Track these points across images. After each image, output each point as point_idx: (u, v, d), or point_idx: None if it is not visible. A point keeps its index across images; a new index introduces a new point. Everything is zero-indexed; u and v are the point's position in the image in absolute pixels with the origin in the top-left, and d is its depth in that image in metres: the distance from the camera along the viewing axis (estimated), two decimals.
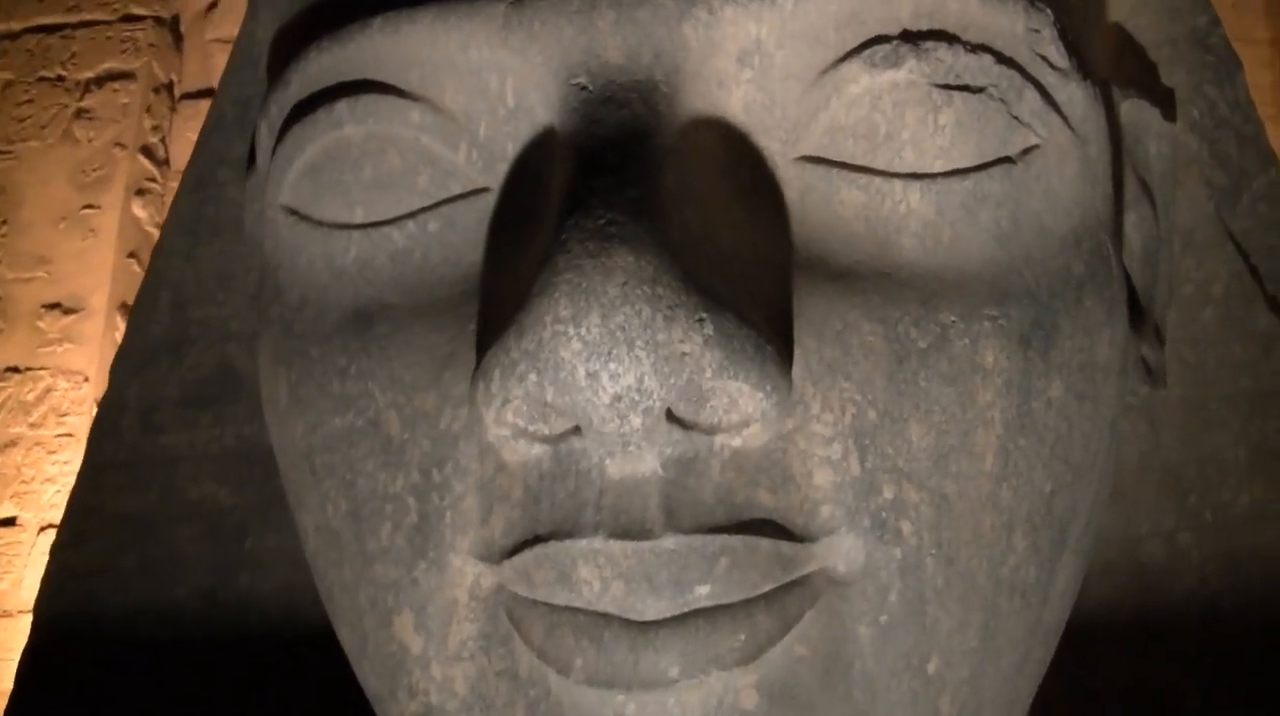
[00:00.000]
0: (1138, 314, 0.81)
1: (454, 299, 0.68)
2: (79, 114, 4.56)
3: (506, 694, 0.63)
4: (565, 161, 0.63)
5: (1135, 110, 0.82)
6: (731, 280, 0.60)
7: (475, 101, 0.68)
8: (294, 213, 0.73)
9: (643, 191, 0.59)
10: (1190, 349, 0.91)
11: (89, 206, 4.41)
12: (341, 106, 0.70)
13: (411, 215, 0.70)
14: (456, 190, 0.69)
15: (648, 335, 0.55)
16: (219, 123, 1.04)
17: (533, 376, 0.57)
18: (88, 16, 4.69)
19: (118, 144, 4.50)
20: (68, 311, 4.32)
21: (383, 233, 0.70)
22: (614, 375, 0.55)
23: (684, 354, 0.56)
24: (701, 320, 0.57)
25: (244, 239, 0.92)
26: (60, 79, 4.63)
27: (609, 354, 0.55)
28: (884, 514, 0.62)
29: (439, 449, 0.65)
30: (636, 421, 0.57)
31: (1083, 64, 0.71)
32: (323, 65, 0.71)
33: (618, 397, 0.56)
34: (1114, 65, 0.83)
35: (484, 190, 0.69)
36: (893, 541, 0.62)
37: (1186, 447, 0.90)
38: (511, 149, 0.68)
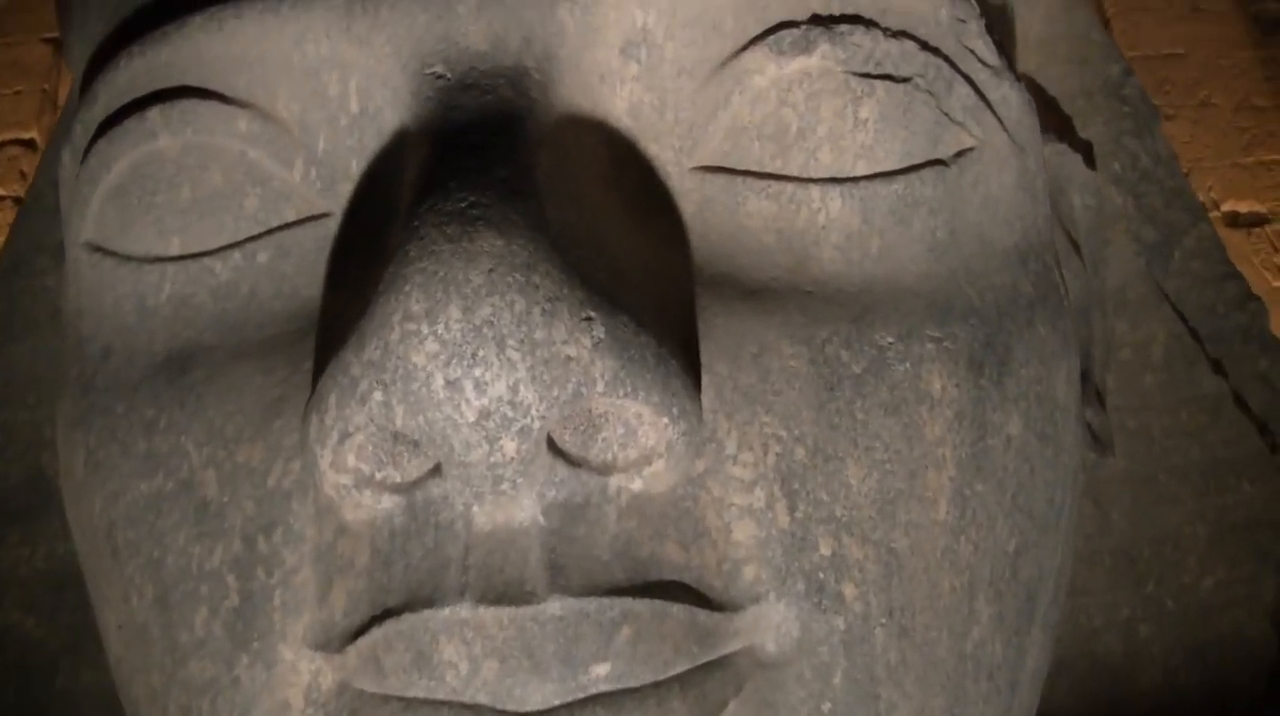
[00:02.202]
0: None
1: (286, 337, 0.56)
2: None
3: None
4: (417, 153, 0.52)
5: (1057, 157, 0.75)
6: (622, 284, 0.49)
7: (313, 109, 0.57)
8: (98, 248, 0.61)
9: (511, 172, 0.49)
10: (1133, 417, 0.82)
11: None
12: (154, 114, 0.59)
13: (237, 244, 0.58)
14: (291, 215, 0.58)
15: (522, 332, 0.44)
16: (36, 206, 0.93)
17: (377, 394, 0.45)
18: None
19: None
20: None
21: (203, 265, 0.58)
22: (480, 383, 0.44)
23: (568, 358, 0.45)
24: (589, 319, 0.46)
25: (61, 332, 0.79)
26: None
27: (473, 356, 0.44)
28: (821, 575, 0.51)
29: (266, 511, 0.52)
30: (510, 447, 0.45)
31: (1012, 68, 0.63)
32: (134, 73, 0.59)
33: (485, 413, 0.44)
34: None
35: (324, 215, 0.58)
36: (834, 608, 0.51)
37: (1138, 526, 0.80)
38: (356, 165, 0.57)
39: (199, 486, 0.54)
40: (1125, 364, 0.83)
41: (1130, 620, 0.80)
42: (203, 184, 0.59)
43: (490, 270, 0.44)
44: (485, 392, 0.44)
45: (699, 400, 0.49)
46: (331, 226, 0.57)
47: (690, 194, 0.56)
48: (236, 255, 0.58)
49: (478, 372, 0.44)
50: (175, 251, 0.59)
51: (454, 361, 0.44)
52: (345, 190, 0.57)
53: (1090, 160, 0.78)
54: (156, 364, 0.57)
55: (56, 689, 0.82)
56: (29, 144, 4.44)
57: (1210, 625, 0.79)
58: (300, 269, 0.57)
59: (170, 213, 0.59)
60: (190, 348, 0.57)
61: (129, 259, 0.60)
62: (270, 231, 0.58)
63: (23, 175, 4.44)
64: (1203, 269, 0.85)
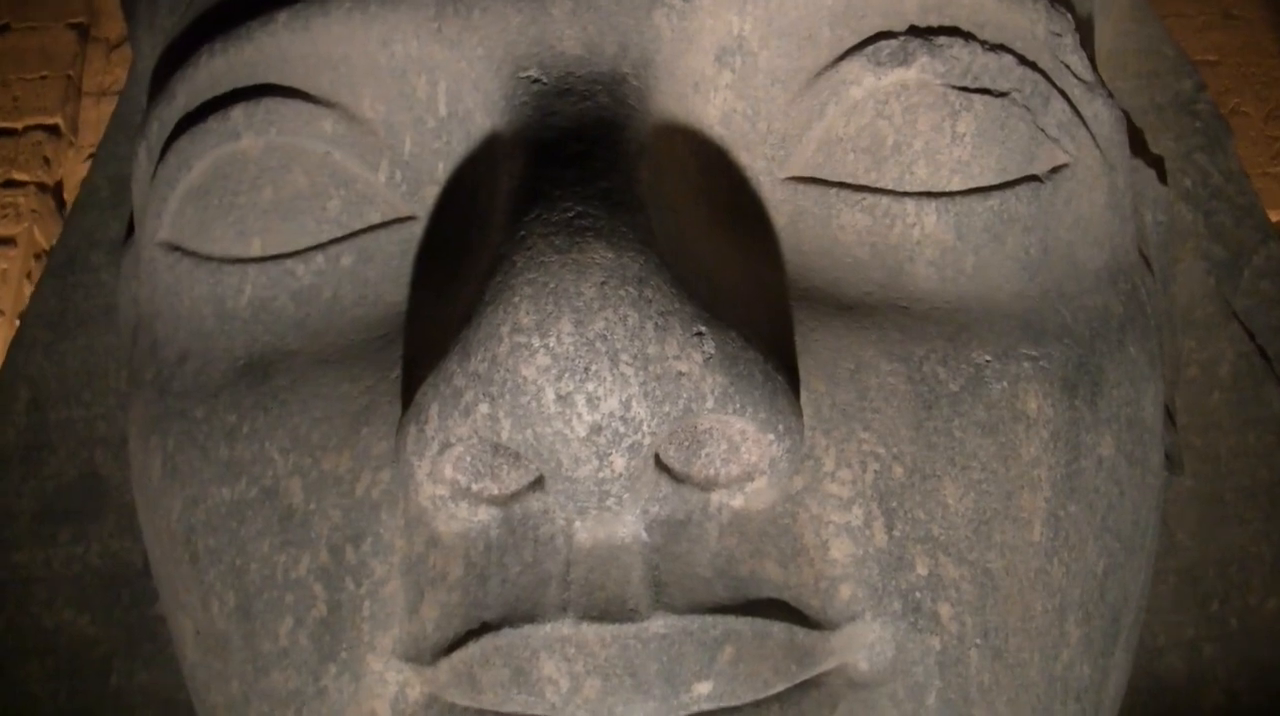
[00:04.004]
0: None
1: (370, 344, 0.55)
2: None
3: None
4: (514, 160, 0.51)
5: (1131, 173, 0.74)
6: (725, 296, 0.49)
7: (399, 110, 0.57)
8: (176, 248, 0.60)
9: (616, 184, 0.48)
10: (1200, 436, 0.81)
11: None
12: (237, 113, 0.58)
13: (320, 247, 0.57)
14: (375, 218, 0.57)
15: (636, 347, 0.43)
16: (92, 200, 0.92)
17: (483, 407, 0.44)
18: None
19: None
20: None
21: (284, 267, 0.57)
22: (593, 398, 0.43)
23: (680, 374, 0.44)
24: (701, 334, 0.45)
25: (116, 328, 0.78)
26: None
27: (586, 371, 0.43)
28: (918, 594, 0.50)
29: (353, 521, 0.51)
30: (620, 463, 0.44)
31: (1103, 83, 0.62)
32: (215, 71, 0.59)
33: (596, 429, 0.43)
34: None
35: (409, 219, 0.57)
36: (929, 629, 0.50)
37: (1204, 546, 0.80)
38: (443, 169, 0.56)
39: (284, 494, 0.53)
40: (1192, 382, 0.82)
41: (1194, 640, 0.79)
42: (285, 185, 0.58)
43: (602, 283, 0.44)
44: (598, 408, 0.43)
45: (802, 417, 0.48)
46: (416, 230, 0.56)
47: (782, 205, 0.55)
48: (319, 258, 0.57)
49: (590, 387, 0.43)
50: (256, 253, 0.58)
51: (566, 375, 0.43)
52: (431, 194, 0.56)
53: (1162, 176, 0.77)
54: (237, 368, 0.57)
55: (110, 688, 0.81)
56: (53, 129, 4.44)
57: (1275, 646, 0.78)
58: (384, 274, 0.56)
59: (252, 213, 0.58)
60: (271, 353, 0.56)
61: (208, 259, 0.59)
62: (353, 234, 0.57)
63: (46, 161, 4.45)
64: (1271, 288, 0.84)
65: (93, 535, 0.84)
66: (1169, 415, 0.75)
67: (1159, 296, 0.73)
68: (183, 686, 0.78)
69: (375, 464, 0.52)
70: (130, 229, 0.73)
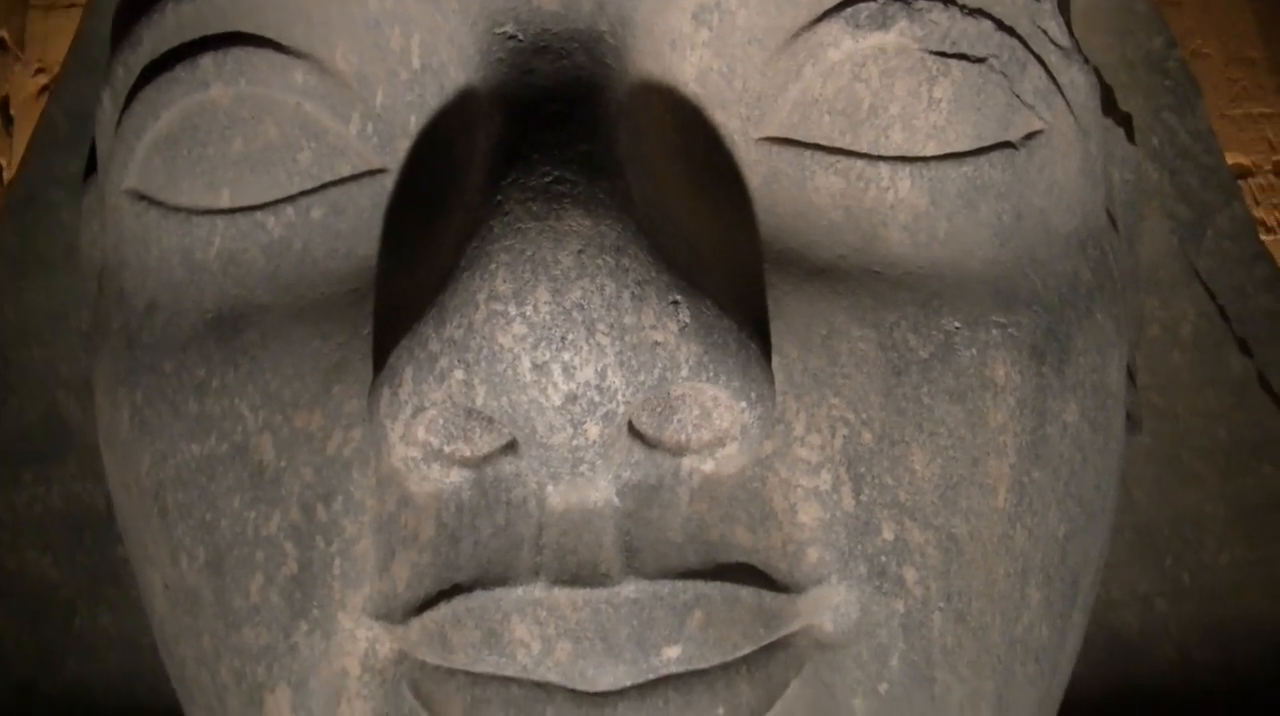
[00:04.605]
0: None
1: (342, 299, 0.55)
2: None
3: None
4: (491, 119, 0.51)
5: (1101, 132, 0.74)
6: (700, 263, 0.49)
7: (372, 62, 0.56)
8: (143, 197, 0.59)
9: (594, 148, 0.48)
10: (1159, 395, 0.82)
11: None
12: (206, 62, 0.57)
13: (290, 199, 0.57)
14: (346, 170, 0.57)
15: (612, 317, 0.43)
16: (50, 137, 0.90)
17: (458, 373, 0.44)
18: None
19: None
20: None
21: (255, 219, 0.57)
22: (569, 368, 0.43)
23: (656, 343, 0.44)
24: (676, 303, 0.45)
25: (79, 267, 0.77)
26: None
27: (563, 340, 0.43)
28: (883, 558, 0.50)
29: (325, 479, 0.51)
30: (594, 431, 0.44)
31: (1080, 49, 0.62)
32: (183, 17, 0.58)
33: (572, 398, 0.43)
34: None
35: (380, 171, 0.56)
36: (894, 592, 0.51)
37: (1160, 504, 0.81)
38: (415, 122, 0.56)
39: (254, 451, 0.53)
40: (1154, 341, 0.83)
41: (1148, 595, 0.81)
42: (256, 136, 0.57)
43: (580, 252, 0.44)
44: (573, 377, 0.43)
45: (774, 384, 0.49)
46: (388, 183, 0.56)
47: (757, 165, 0.55)
48: (289, 210, 0.57)
49: (566, 356, 0.43)
50: (225, 204, 0.57)
51: (543, 344, 0.43)
52: (403, 147, 0.56)
53: (1130, 134, 0.78)
54: (206, 322, 0.56)
55: (74, 631, 0.81)
56: None
57: (1226, 603, 0.80)
58: (355, 227, 0.56)
59: (221, 164, 0.57)
60: (242, 306, 0.56)
61: (176, 210, 0.58)
62: (324, 186, 0.57)
63: None
64: (1234, 249, 0.85)
65: (55, 477, 0.83)
66: (1130, 374, 0.76)
67: (1124, 256, 0.74)
68: (146, 629, 0.79)
69: (347, 422, 0.52)
70: (89, 165, 0.72)
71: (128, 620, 0.81)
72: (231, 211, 0.57)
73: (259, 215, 0.57)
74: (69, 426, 0.84)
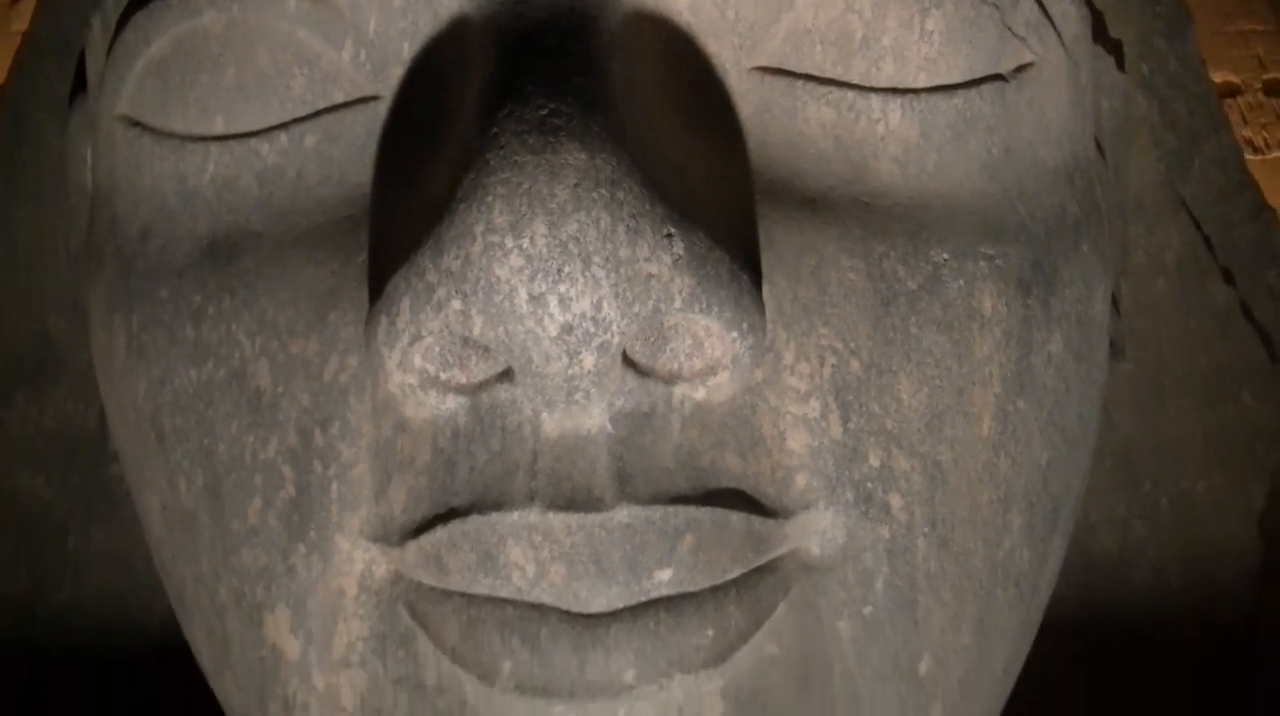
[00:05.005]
0: None
1: (336, 226, 0.55)
2: None
3: (407, 706, 0.51)
4: (485, 49, 0.51)
5: (1090, 60, 0.74)
6: (693, 195, 0.49)
7: None
8: (135, 123, 0.59)
9: (589, 81, 0.48)
10: (1143, 322, 0.83)
11: None
12: None
13: (284, 126, 0.57)
14: (339, 98, 0.57)
15: (608, 249, 0.44)
16: (35, 55, 0.89)
17: (456, 303, 0.45)
18: None
19: None
20: None
21: (248, 146, 0.57)
22: (565, 299, 0.44)
23: (650, 276, 0.45)
24: (670, 236, 0.46)
25: (67, 188, 0.77)
26: None
27: (559, 272, 0.44)
28: (869, 485, 0.52)
29: (322, 405, 0.52)
30: (589, 361, 0.45)
31: None
32: None
33: (568, 328, 0.44)
34: None
35: (373, 99, 0.56)
36: (880, 518, 0.52)
37: (1140, 430, 0.82)
38: (408, 49, 0.56)
39: (251, 377, 0.54)
40: (1139, 269, 0.84)
41: (1126, 518, 0.82)
42: (248, 64, 0.57)
43: (576, 185, 0.44)
44: (569, 308, 0.44)
45: (764, 315, 0.49)
46: (381, 111, 0.56)
47: (748, 95, 0.56)
48: (283, 137, 0.57)
49: (563, 288, 0.44)
50: (219, 131, 0.57)
51: (539, 276, 0.44)
52: (396, 74, 0.56)
53: (1120, 62, 0.78)
54: (201, 248, 0.57)
55: (68, 550, 0.82)
56: None
57: (1202, 528, 0.82)
58: (349, 154, 0.56)
59: (214, 92, 0.57)
60: (236, 233, 0.56)
61: (170, 136, 0.58)
62: (317, 114, 0.57)
63: None
64: (1220, 178, 0.85)
65: (47, 399, 0.84)
66: (1114, 302, 0.76)
67: (1111, 185, 0.74)
68: (139, 548, 0.80)
69: (343, 348, 0.52)
70: (75, 86, 0.72)
71: (121, 539, 0.82)
72: (225, 138, 0.57)
73: (253, 142, 0.57)
74: (59, 348, 0.84)
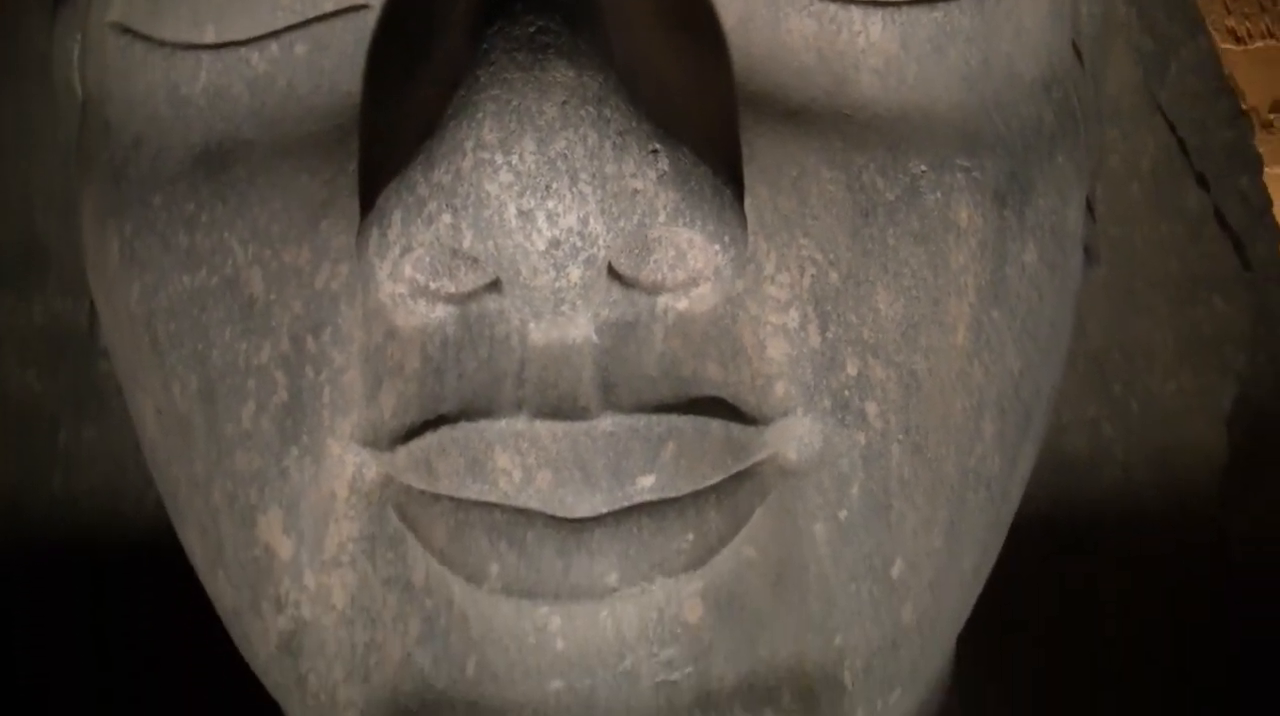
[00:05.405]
0: None
1: (327, 135, 0.56)
2: None
3: (395, 606, 0.53)
4: None
5: None
6: (678, 110, 0.50)
7: None
8: (126, 30, 0.60)
9: None
10: (1117, 226, 0.84)
11: None
12: None
13: (274, 35, 0.57)
14: (329, 6, 0.57)
15: (594, 166, 0.45)
16: None
17: (446, 217, 0.46)
18: None
19: None
20: None
21: (239, 55, 0.57)
22: (552, 215, 0.45)
23: (635, 192, 0.46)
24: (655, 152, 0.46)
25: (51, 84, 0.77)
26: None
27: (547, 188, 0.45)
28: (847, 393, 0.53)
29: (314, 312, 0.53)
30: (576, 274, 0.46)
31: None
32: None
33: (555, 243, 0.45)
34: None
35: (362, 7, 0.57)
36: (856, 425, 0.53)
37: (1111, 333, 0.84)
38: None
39: (244, 284, 0.55)
40: (1114, 173, 0.85)
41: (1096, 419, 0.84)
42: None
43: (564, 103, 0.45)
44: (557, 224, 0.45)
45: (746, 228, 0.51)
46: (370, 20, 0.56)
47: (731, 5, 0.56)
48: (273, 46, 0.57)
49: (550, 204, 0.45)
50: (210, 39, 0.58)
51: (528, 193, 0.45)
52: None
53: None
54: (194, 157, 0.57)
55: (59, 445, 0.83)
56: None
57: (1170, 429, 0.84)
58: (339, 64, 0.56)
59: (204, 1, 0.58)
60: (228, 142, 0.57)
61: (161, 45, 0.58)
62: (307, 22, 0.57)
63: None
64: (1197, 83, 0.86)
65: (35, 295, 0.85)
66: (1089, 207, 0.78)
67: (1088, 91, 0.75)
68: (129, 444, 0.81)
69: (334, 257, 0.53)
70: None
71: (111, 435, 0.83)
72: (216, 47, 0.58)
73: (243, 51, 0.57)
74: (47, 245, 0.85)
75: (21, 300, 0.84)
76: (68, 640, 0.83)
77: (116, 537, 0.84)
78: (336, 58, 0.57)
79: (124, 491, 0.84)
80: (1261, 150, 0.88)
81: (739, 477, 0.52)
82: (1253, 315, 0.85)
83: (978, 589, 0.63)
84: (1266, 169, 0.89)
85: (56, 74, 0.74)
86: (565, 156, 0.45)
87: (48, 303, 0.84)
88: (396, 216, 0.47)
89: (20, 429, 0.84)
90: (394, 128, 0.52)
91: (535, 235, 0.45)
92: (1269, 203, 0.87)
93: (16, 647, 0.82)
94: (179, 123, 0.58)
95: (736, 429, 0.51)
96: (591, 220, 0.45)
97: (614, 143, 0.45)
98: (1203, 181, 0.85)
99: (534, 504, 0.50)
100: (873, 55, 0.56)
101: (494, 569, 0.50)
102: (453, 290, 0.50)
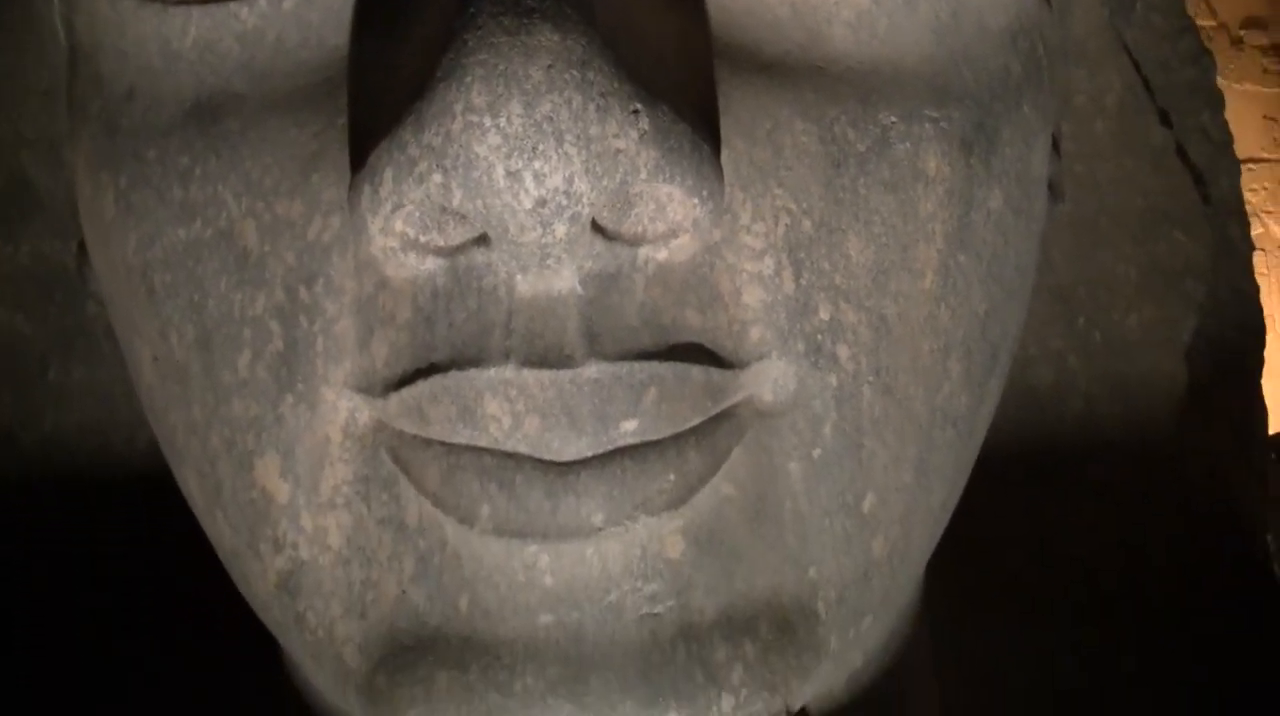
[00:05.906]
0: None
1: (316, 89, 0.57)
2: None
3: (390, 545, 0.55)
4: None
5: None
6: (658, 69, 0.52)
7: None
8: None
9: None
10: (1082, 163, 0.86)
11: None
12: None
13: None
14: None
15: (579, 128, 0.47)
16: None
17: (436, 176, 0.48)
18: None
19: None
20: None
21: (228, 10, 0.59)
22: (539, 175, 0.47)
23: (618, 151, 0.48)
24: (636, 112, 0.48)
25: (37, 27, 0.78)
26: None
27: (534, 150, 0.47)
28: (819, 337, 0.55)
29: (306, 263, 0.55)
30: (561, 230, 0.48)
31: None
32: None
33: (542, 202, 0.47)
34: None
35: None
36: (828, 367, 0.56)
37: (1076, 267, 0.86)
38: None
39: (238, 236, 0.56)
40: (1079, 110, 0.87)
41: (1060, 351, 0.87)
42: None
43: (549, 67, 0.47)
44: (543, 184, 0.47)
45: (723, 181, 0.52)
46: None
47: None
48: (261, 1, 0.58)
49: (537, 165, 0.47)
50: None
51: (515, 154, 0.46)
52: None
53: None
54: (186, 110, 0.59)
55: (49, 384, 0.85)
56: None
57: (1131, 360, 0.87)
58: (326, 18, 0.58)
59: None
60: (219, 95, 0.58)
61: (151, 0, 0.60)
62: None
63: None
64: (1161, 22, 0.88)
65: (22, 237, 0.86)
66: (1055, 145, 0.80)
67: (1055, 32, 0.77)
68: (119, 382, 0.83)
69: (326, 209, 0.55)
70: None
71: (100, 373, 0.85)
72: (205, 1, 0.59)
73: (232, 5, 0.58)
74: (34, 186, 0.86)
75: (8, 242, 0.86)
76: (64, 573, 0.85)
77: (109, 473, 0.86)
78: (323, 12, 0.58)
79: (113, 429, 0.86)
80: (1232, 66, 0.90)
81: (717, 419, 0.55)
82: (1213, 249, 0.88)
83: (945, 520, 0.65)
84: (1236, 85, 0.91)
85: (43, 23, 0.75)
86: (551, 119, 0.46)
87: (35, 244, 0.85)
88: (388, 174, 0.49)
89: (10, 370, 0.85)
90: (383, 85, 0.53)
91: (523, 195, 0.47)
92: (1230, 139, 0.89)
93: (14, 583, 0.84)
94: (170, 75, 0.59)
95: (715, 373, 0.54)
96: (576, 179, 0.47)
97: (597, 104, 0.47)
98: (1165, 118, 0.87)
99: (522, 448, 0.52)
100: (845, 9, 0.58)
101: (485, 510, 0.53)
102: (442, 244, 0.52)
